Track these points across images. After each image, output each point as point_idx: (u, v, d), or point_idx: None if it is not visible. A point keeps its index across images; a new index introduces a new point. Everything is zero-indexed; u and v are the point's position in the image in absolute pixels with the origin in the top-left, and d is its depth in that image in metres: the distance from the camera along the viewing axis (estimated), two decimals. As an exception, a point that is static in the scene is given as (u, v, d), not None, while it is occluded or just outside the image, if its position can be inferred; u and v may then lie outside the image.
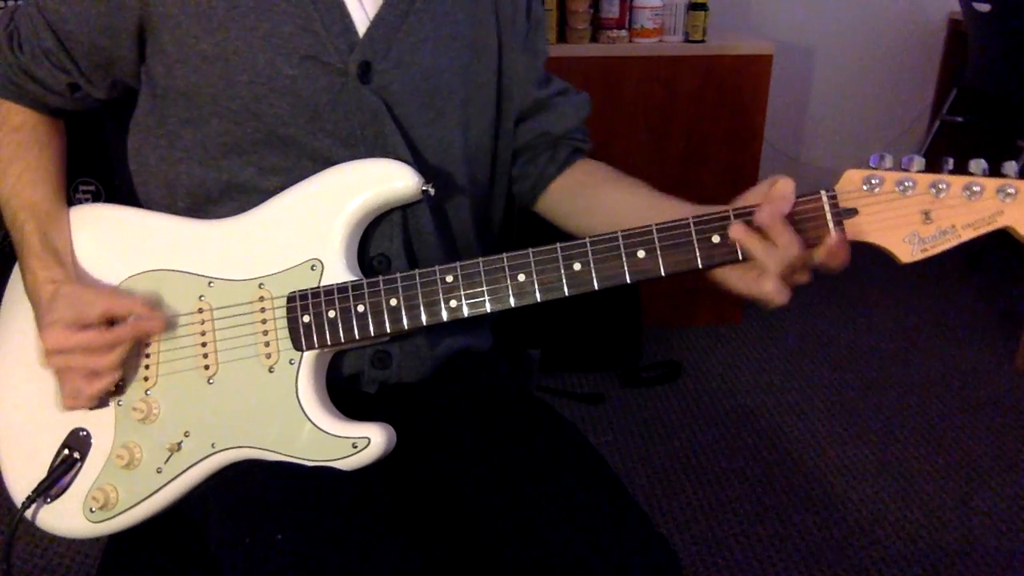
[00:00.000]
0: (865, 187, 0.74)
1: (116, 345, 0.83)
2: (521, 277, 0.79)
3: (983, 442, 2.11)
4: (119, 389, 0.87)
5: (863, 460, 2.04)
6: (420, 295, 0.81)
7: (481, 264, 0.80)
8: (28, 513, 0.88)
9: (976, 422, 2.20)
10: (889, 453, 2.07)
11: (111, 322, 0.84)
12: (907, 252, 0.74)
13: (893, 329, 2.71)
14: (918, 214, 0.74)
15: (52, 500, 0.88)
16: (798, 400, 2.30)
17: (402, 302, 0.81)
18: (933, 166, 0.74)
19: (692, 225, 0.77)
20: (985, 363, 2.49)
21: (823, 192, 0.75)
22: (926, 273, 3.05)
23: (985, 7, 2.95)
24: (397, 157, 0.88)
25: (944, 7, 3.43)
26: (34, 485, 0.87)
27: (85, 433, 0.88)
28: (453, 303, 0.80)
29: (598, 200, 1.01)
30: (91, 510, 0.86)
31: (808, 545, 1.75)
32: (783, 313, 2.81)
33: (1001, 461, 2.04)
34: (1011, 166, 0.72)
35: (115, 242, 0.90)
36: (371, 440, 0.81)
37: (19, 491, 0.89)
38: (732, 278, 0.80)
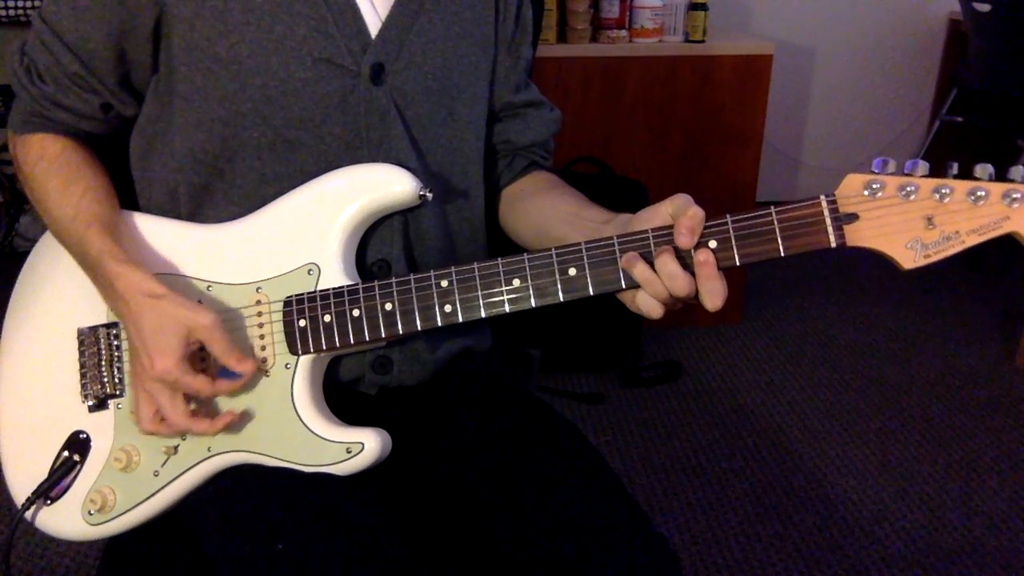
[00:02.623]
0: (866, 192, 0.73)
1: (212, 396, 0.82)
2: (516, 282, 0.79)
3: (983, 442, 2.11)
4: (120, 393, 0.88)
5: (863, 460, 2.04)
6: (415, 299, 0.81)
7: (476, 269, 0.79)
8: (28, 514, 0.88)
9: (976, 422, 2.19)
10: (889, 453, 2.07)
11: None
12: (909, 258, 0.73)
13: (893, 329, 2.71)
14: (921, 219, 0.72)
15: (52, 502, 0.88)
16: (798, 400, 2.29)
17: (397, 306, 0.81)
18: (936, 170, 0.72)
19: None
20: (985, 363, 2.49)
21: (823, 197, 0.73)
22: (926, 273, 3.01)
23: (985, 7, 2.95)
24: (400, 160, 0.87)
25: (944, 7, 3.43)
26: (35, 487, 0.87)
27: (85, 436, 0.88)
28: (448, 308, 0.80)
29: (528, 207, 1.00)
30: (89, 512, 0.86)
31: (808, 545, 1.75)
32: (783, 313, 2.81)
33: (1001, 461, 2.04)
34: (1018, 171, 0.70)
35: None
36: (365, 445, 0.81)
37: (20, 492, 0.89)
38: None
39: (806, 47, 3.44)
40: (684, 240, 0.74)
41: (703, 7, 2.38)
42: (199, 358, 0.84)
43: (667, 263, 0.74)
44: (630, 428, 2.16)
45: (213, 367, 0.84)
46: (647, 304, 0.77)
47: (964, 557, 1.72)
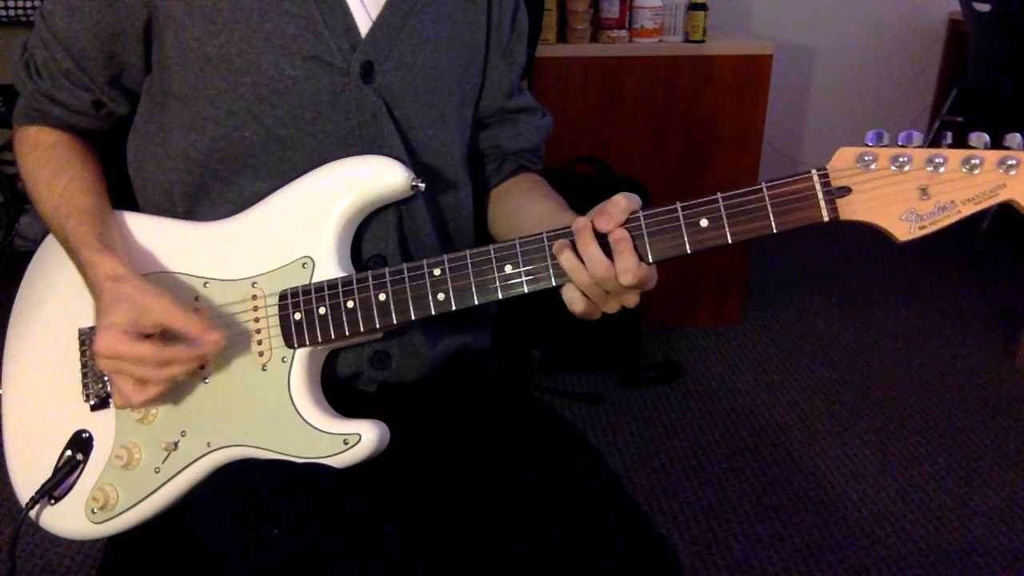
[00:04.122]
0: (859, 164, 0.71)
1: (170, 363, 0.79)
2: (508, 268, 0.79)
3: (983, 442, 2.11)
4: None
5: (863, 460, 2.04)
6: (408, 289, 0.81)
7: (468, 256, 0.80)
8: (32, 514, 0.89)
9: (976, 422, 2.19)
10: (889, 453, 2.07)
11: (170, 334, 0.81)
12: (904, 230, 0.71)
13: (893, 329, 2.70)
14: (915, 190, 0.70)
15: (56, 501, 0.88)
16: (798, 400, 2.29)
17: (391, 296, 0.82)
18: (933, 144, 0.71)
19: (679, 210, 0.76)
20: (985, 363, 2.49)
21: (814, 171, 0.72)
22: (926, 273, 3.05)
23: (985, 7, 2.95)
24: (392, 157, 0.88)
25: (944, 7, 3.43)
26: (38, 486, 0.87)
27: (87, 435, 0.88)
28: (441, 296, 0.81)
29: (507, 207, 1.01)
30: (92, 511, 0.86)
31: (808, 545, 1.75)
32: (783, 313, 2.81)
33: (1001, 461, 2.04)
34: (1014, 138, 0.69)
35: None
36: (362, 437, 0.81)
37: (24, 492, 0.89)
38: None
39: (806, 47, 3.44)
40: (600, 222, 0.75)
41: (703, 7, 2.38)
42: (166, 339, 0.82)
43: (587, 245, 0.75)
44: (630, 428, 2.16)
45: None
46: (567, 296, 0.79)
47: (964, 557, 1.72)
